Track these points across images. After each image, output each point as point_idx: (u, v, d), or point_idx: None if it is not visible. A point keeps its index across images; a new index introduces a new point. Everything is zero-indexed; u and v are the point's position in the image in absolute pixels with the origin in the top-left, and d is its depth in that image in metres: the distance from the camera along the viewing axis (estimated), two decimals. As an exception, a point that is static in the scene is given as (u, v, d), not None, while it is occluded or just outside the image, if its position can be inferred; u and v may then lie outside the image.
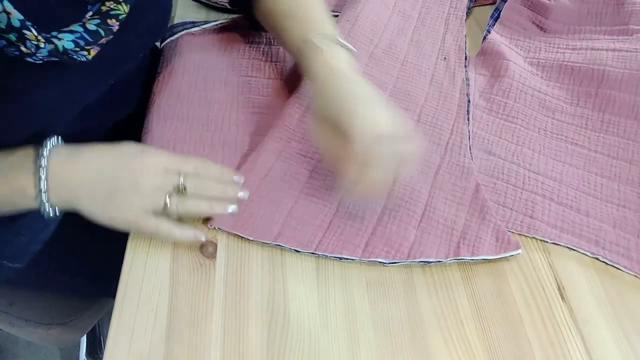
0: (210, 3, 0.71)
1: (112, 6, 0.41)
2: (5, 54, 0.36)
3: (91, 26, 0.40)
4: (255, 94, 0.60)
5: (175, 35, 0.64)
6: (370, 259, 0.47)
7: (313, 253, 0.47)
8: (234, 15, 0.68)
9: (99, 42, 0.41)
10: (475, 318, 0.45)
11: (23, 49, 0.36)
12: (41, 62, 0.38)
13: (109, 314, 0.44)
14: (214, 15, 0.70)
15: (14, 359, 1.16)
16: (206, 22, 0.65)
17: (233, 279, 0.46)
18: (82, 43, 0.39)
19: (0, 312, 0.67)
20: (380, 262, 0.47)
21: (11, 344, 1.17)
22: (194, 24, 0.65)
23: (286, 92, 0.60)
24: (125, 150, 0.46)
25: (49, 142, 0.44)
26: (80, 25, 0.39)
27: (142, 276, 0.45)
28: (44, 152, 0.43)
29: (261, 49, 0.65)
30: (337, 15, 0.71)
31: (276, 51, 0.65)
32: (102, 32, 0.40)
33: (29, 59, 0.37)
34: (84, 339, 1.11)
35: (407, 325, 0.44)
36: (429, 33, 0.68)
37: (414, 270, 0.48)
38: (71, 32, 0.39)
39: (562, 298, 0.47)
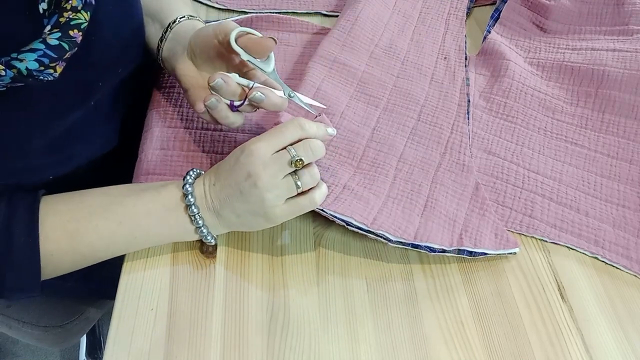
0: (210, 3, 0.71)
1: (71, 16, 0.37)
2: None
3: (53, 41, 0.36)
4: (255, 93, 0.60)
5: (175, 35, 0.64)
6: (378, 232, 0.46)
7: (322, 210, 0.46)
8: (234, 16, 0.68)
9: (65, 57, 0.37)
10: (475, 318, 0.45)
11: None
12: (4, 89, 0.35)
13: (109, 314, 0.44)
14: (214, 15, 0.70)
15: (13, 359, 1.16)
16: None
17: (233, 278, 0.46)
18: (46, 61, 0.36)
19: (-2, 314, 0.67)
20: (386, 240, 0.46)
21: (10, 344, 1.17)
22: (193, 23, 0.65)
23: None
24: (233, 163, 0.44)
25: (189, 178, 0.45)
26: (40, 42, 0.36)
27: (142, 276, 0.45)
28: (190, 189, 0.44)
29: (261, 48, 0.65)
30: (337, 16, 0.71)
31: (276, 51, 0.65)
32: (66, 46, 0.37)
33: None
34: (83, 339, 1.11)
35: (407, 325, 0.44)
36: (429, 33, 0.69)
37: (414, 269, 0.48)
38: (32, 50, 0.35)
39: (562, 298, 0.47)
